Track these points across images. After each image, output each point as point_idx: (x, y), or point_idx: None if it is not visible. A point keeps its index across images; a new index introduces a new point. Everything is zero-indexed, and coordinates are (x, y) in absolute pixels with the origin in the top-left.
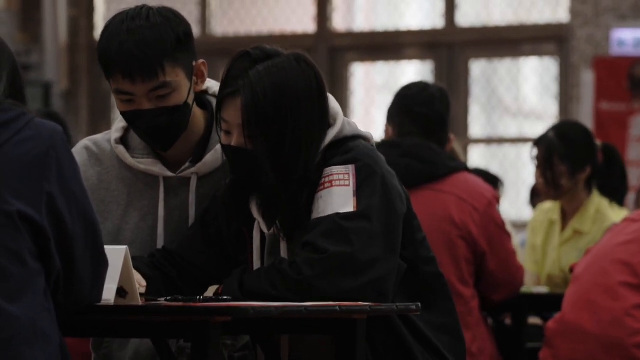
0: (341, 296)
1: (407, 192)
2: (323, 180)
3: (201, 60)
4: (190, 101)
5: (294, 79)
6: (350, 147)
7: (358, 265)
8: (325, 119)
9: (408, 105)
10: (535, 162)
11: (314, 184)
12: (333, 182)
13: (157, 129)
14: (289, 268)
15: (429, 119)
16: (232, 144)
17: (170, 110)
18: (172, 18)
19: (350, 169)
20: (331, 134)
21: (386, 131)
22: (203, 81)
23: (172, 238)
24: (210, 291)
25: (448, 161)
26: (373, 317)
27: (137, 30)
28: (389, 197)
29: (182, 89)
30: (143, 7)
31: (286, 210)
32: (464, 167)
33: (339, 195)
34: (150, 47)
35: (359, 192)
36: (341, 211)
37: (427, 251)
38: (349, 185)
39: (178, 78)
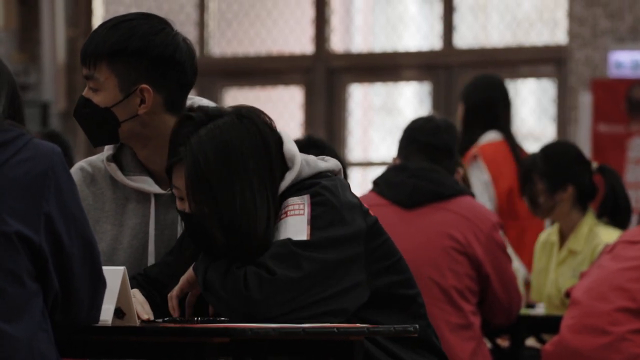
0: (286, 319)
1: (377, 222)
2: (280, 212)
3: (146, 87)
4: (119, 115)
5: (237, 139)
6: (307, 185)
7: (306, 295)
8: (275, 171)
9: (414, 136)
10: (519, 179)
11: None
12: (288, 212)
13: (81, 119)
14: (242, 279)
15: (435, 147)
16: (186, 210)
17: (92, 105)
18: (144, 33)
19: (305, 199)
20: (289, 178)
21: (394, 162)
22: (146, 107)
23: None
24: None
25: (454, 184)
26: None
27: (107, 23)
28: (345, 231)
29: (108, 95)
30: (144, 15)
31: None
32: (470, 193)
33: (293, 224)
34: (98, 38)
35: (313, 222)
36: (294, 238)
37: (398, 275)
38: (303, 214)
39: (106, 82)
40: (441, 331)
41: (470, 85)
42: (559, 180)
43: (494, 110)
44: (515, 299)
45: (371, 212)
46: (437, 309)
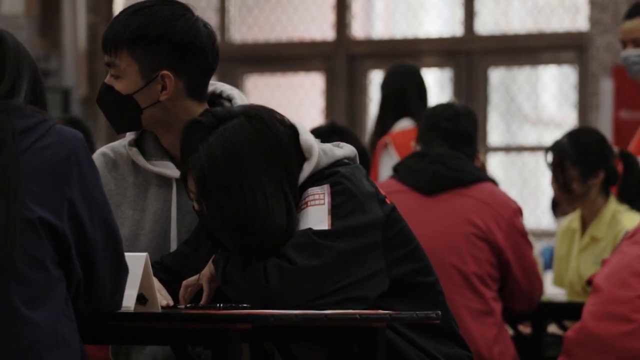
0: (306, 308)
1: (394, 210)
2: (300, 203)
3: (167, 73)
4: (141, 101)
5: (246, 141)
6: (327, 174)
7: (327, 284)
8: (291, 165)
9: (434, 122)
10: (550, 167)
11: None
12: (308, 203)
13: (103, 106)
14: (262, 271)
15: (455, 134)
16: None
17: (114, 92)
18: (164, 19)
19: (326, 188)
20: (307, 169)
21: (414, 149)
22: (168, 93)
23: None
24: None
25: (475, 170)
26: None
27: (127, 9)
28: (365, 220)
29: (130, 82)
30: (165, 1)
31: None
32: (490, 179)
33: (313, 214)
34: (119, 25)
35: (333, 211)
36: (315, 228)
37: (416, 262)
38: (323, 204)
39: (127, 68)
40: (462, 318)
41: (385, 75)
42: (592, 165)
43: (406, 99)
44: (537, 285)
45: (391, 199)
46: (458, 295)
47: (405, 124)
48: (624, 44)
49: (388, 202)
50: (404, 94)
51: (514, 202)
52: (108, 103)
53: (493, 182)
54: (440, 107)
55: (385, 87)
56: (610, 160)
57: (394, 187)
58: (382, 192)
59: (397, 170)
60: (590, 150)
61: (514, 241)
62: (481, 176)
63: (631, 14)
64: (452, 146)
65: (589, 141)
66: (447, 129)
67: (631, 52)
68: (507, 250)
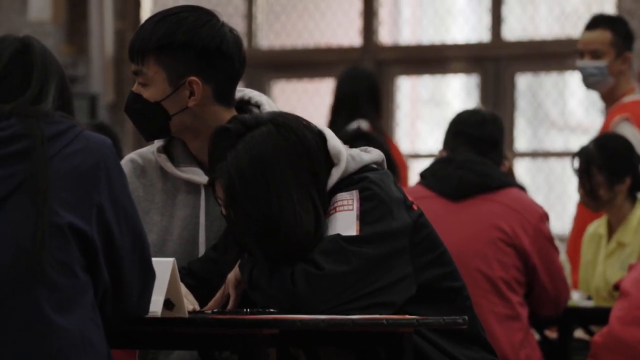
0: (333, 313)
1: (422, 215)
2: (329, 208)
3: (194, 79)
4: (169, 108)
5: (274, 149)
6: (356, 180)
7: (354, 289)
8: (320, 173)
9: (460, 128)
10: (576, 173)
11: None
12: (337, 208)
13: (132, 114)
14: (289, 276)
15: (481, 139)
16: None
17: (142, 100)
18: (190, 26)
19: (355, 194)
20: (336, 175)
21: (440, 155)
22: (196, 99)
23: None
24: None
25: (501, 176)
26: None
27: (153, 17)
28: (393, 225)
29: (158, 89)
30: (190, 7)
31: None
32: (517, 184)
33: (342, 220)
34: (145, 33)
35: (362, 217)
36: (344, 234)
37: (443, 267)
38: (352, 210)
39: (155, 76)
40: (488, 322)
41: (338, 79)
42: (619, 172)
43: (358, 102)
44: (563, 290)
45: (418, 205)
46: (484, 300)
47: (356, 127)
48: (582, 54)
49: (415, 208)
50: (355, 97)
51: (541, 208)
52: (136, 111)
53: (520, 187)
54: (467, 113)
55: (337, 90)
56: (637, 165)
57: (420, 193)
58: (410, 198)
59: (424, 176)
60: (616, 156)
61: (541, 246)
62: (508, 181)
63: (592, 25)
64: (478, 152)
65: (616, 147)
66: (473, 135)
67: (588, 64)
68: (533, 255)
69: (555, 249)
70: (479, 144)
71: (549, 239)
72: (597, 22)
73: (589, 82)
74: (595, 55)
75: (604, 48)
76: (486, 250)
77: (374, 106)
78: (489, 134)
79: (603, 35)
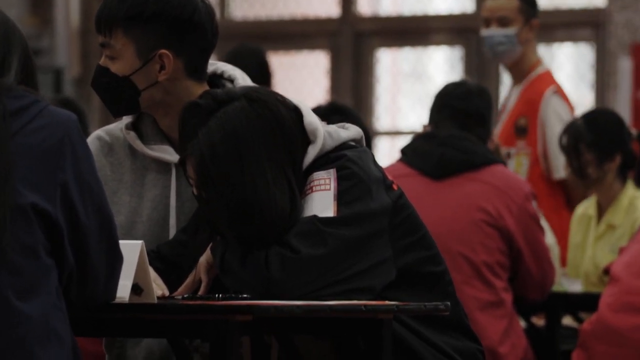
0: (309, 298)
1: (402, 196)
2: (305, 188)
3: (165, 52)
4: (138, 83)
5: (247, 126)
6: (333, 158)
7: (331, 273)
8: (295, 151)
9: (445, 101)
10: (564, 151)
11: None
12: (313, 188)
13: (99, 89)
14: (264, 259)
15: (466, 114)
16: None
17: (110, 74)
18: None
19: (332, 173)
20: (312, 152)
21: (424, 130)
22: (166, 73)
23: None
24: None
25: (486, 152)
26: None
27: None
28: (372, 206)
29: (126, 62)
30: None
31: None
32: (501, 161)
33: (319, 200)
34: (112, 4)
35: (340, 197)
36: (320, 215)
37: (424, 251)
38: (329, 190)
39: (123, 48)
40: (471, 310)
41: (226, 56)
42: (608, 149)
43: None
44: (549, 273)
45: (398, 184)
46: (467, 285)
47: None
48: (487, 22)
49: (395, 187)
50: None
51: (526, 185)
52: (104, 86)
53: (504, 164)
54: (452, 86)
55: None
56: (628, 143)
57: (401, 171)
58: (389, 177)
59: (405, 152)
60: (606, 132)
61: (526, 226)
62: (492, 158)
63: None
64: (463, 127)
65: (605, 123)
66: (457, 108)
67: (496, 32)
68: (518, 236)
69: (541, 229)
70: (464, 118)
71: (534, 218)
72: None
73: (497, 51)
74: (503, 22)
75: (512, 15)
76: (469, 232)
77: (265, 83)
78: (475, 107)
79: (510, 2)
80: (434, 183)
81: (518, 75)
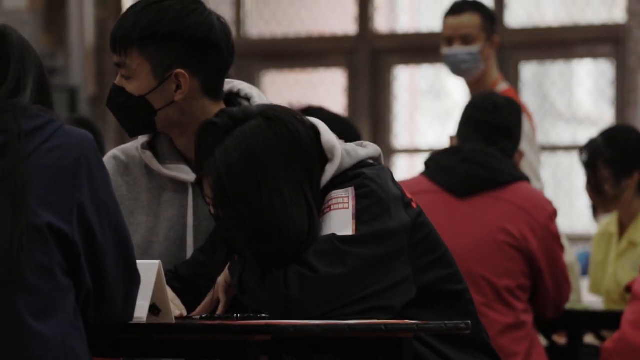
0: (328, 318)
1: (421, 214)
2: (323, 206)
3: (181, 71)
4: (154, 102)
5: (264, 144)
6: (351, 176)
7: (350, 293)
8: (313, 168)
9: (470, 113)
10: (583, 167)
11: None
12: (332, 207)
13: (115, 109)
14: (282, 279)
15: (491, 126)
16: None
17: (126, 94)
18: (175, 15)
19: (350, 191)
20: (330, 171)
21: (451, 142)
22: (183, 92)
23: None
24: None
25: (511, 169)
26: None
27: (136, 5)
28: (391, 225)
29: (142, 82)
30: None
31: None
32: (526, 178)
33: (337, 219)
34: (127, 23)
35: (358, 216)
36: (339, 233)
37: (444, 269)
38: (348, 208)
39: (138, 68)
40: (492, 333)
41: None
42: (626, 166)
43: None
44: (565, 290)
45: (420, 199)
46: (488, 309)
47: None
48: (450, 40)
49: (414, 205)
50: None
51: (550, 205)
52: (120, 105)
53: (527, 180)
54: (479, 98)
55: None
56: None
57: (423, 186)
58: (409, 194)
59: (428, 166)
60: (624, 149)
61: (548, 247)
62: (517, 176)
63: (458, 9)
64: (488, 140)
65: (624, 140)
66: (483, 121)
67: (460, 50)
68: (540, 258)
69: (561, 247)
70: (490, 131)
71: (556, 239)
72: (463, 6)
73: (461, 69)
74: (466, 40)
75: (475, 32)
76: (492, 255)
77: None
78: (501, 120)
79: (472, 19)
80: (457, 201)
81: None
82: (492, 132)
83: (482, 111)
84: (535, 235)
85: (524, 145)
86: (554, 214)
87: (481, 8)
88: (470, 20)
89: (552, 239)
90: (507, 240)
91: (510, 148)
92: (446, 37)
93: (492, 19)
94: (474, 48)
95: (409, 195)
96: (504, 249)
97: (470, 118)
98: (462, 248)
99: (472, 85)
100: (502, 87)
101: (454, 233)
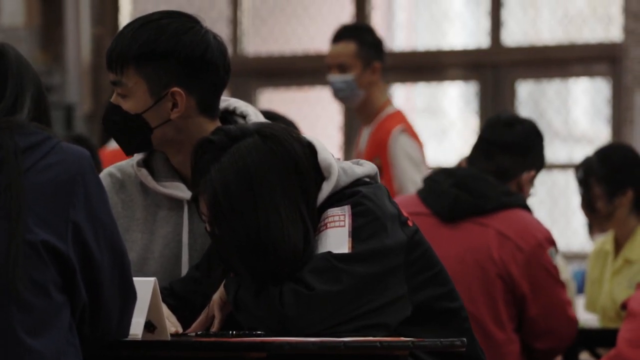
0: (323, 335)
1: (417, 232)
2: (319, 224)
3: (178, 90)
4: (151, 121)
5: (260, 162)
6: (347, 194)
7: (346, 310)
8: (309, 187)
9: (480, 134)
10: (578, 183)
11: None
12: (328, 224)
13: (110, 127)
14: (278, 296)
15: (497, 146)
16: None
17: (122, 112)
18: (172, 33)
19: (346, 209)
20: (327, 189)
21: (463, 163)
22: (179, 111)
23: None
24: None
25: (502, 195)
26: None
27: (132, 23)
28: (387, 243)
29: (138, 101)
30: (171, 13)
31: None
32: (519, 204)
33: (333, 237)
34: (124, 41)
35: (354, 234)
36: (335, 251)
37: (440, 287)
38: (344, 226)
39: (135, 87)
40: None
41: None
42: (619, 183)
43: None
44: (564, 325)
45: (410, 221)
46: None
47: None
48: (329, 68)
49: (410, 224)
50: None
51: (542, 233)
52: (115, 124)
53: (523, 206)
54: (491, 119)
55: None
56: None
57: (414, 208)
58: (404, 213)
59: (423, 187)
60: (617, 167)
61: (533, 275)
62: (507, 202)
63: (336, 37)
64: (486, 156)
65: (618, 158)
66: (488, 141)
67: (336, 78)
68: (522, 285)
69: (558, 282)
70: (494, 151)
71: (547, 269)
72: (341, 34)
73: (339, 96)
74: (342, 68)
75: (349, 61)
76: (472, 285)
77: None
78: (505, 141)
79: (347, 48)
80: (443, 226)
81: (367, 118)
82: (497, 153)
83: (487, 132)
84: (517, 262)
85: (409, 168)
86: (545, 241)
87: (360, 35)
88: (344, 48)
89: (540, 268)
90: (487, 267)
91: (510, 165)
92: (327, 65)
93: (374, 45)
94: (349, 76)
95: (405, 214)
96: (486, 277)
97: (479, 140)
98: None
99: (357, 111)
100: (390, 110)
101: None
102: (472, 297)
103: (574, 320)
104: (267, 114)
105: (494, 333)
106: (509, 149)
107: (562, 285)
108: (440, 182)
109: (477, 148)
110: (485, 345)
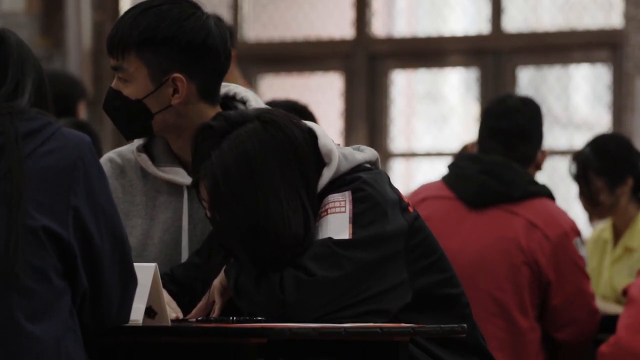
0: (324, 321)
1: (418, 218)
2: (320, 210)
3: (179, 76)
4: (151, 106)
5: (261, 148)
6: (348, 180)
7: (346, 296)
8: (309, 172)
9: (485, 120)
10: (574, 179)
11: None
12: (328, 210)
13: (110, 112)
14: (278, 282)
15: (506, 132)
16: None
17: (123, 97)
18: (173, 19)
19: (347, 195)
20: (327, 175)
21: (470, 148)
22: (180, 97)
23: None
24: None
25: (529, 184)
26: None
27: (133, 9)
28: (388, 229)
29: (139, 86)
30: None
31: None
32: (546, 193)
33: (334, 223)
34: (125, 26)
35: (355, 220)
36: (336, 237)
37: (440, 273)
38: (344, 212)
39: (136, 72)
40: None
41: None
42: (618, 173)
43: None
44: (587, 316)
45: (434, 204)
46: (489, 323)
47: None
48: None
49: (411, 209)
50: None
51: (568, 223)
52: (116, 109)
53: (549, 195)
54: (492, 103)
55: None
56: (638, 164)
57: (438, 192)
58: (405, 199)
59: (449, 172)
60: (614, 157)
61: (559, 264)
62: (534, 191)
63: None
64: (507, 147)
65: (613, 148)
66: (496, 127)
67: None
68: (549, 271)
69: (583, 274)
70: (504, 137)
71: (573, 259)
72: None
73: None
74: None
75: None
76: (498, 269)
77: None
78: (515, 125)
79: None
80: (470, 212)
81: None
82: (508, 138)
83: (495, 118)
84: (544, 250)
85: None
86: (571, 231)
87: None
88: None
89: (566, 257)
90: (514, 254)
91: (530, 150)
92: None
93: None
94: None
95: (406, 200)
96: (511, 263)
97: (485, 125)
98: (466, 259)
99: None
100: None
101: (461, 242)
102: (498, 284)
103: (596, 313)
104: (286, 103)
105: (518, 320)
106: (524, 134)
107: (586, 276)
108: (466, 167)
109: (490, 137)
110: (509, 331)
